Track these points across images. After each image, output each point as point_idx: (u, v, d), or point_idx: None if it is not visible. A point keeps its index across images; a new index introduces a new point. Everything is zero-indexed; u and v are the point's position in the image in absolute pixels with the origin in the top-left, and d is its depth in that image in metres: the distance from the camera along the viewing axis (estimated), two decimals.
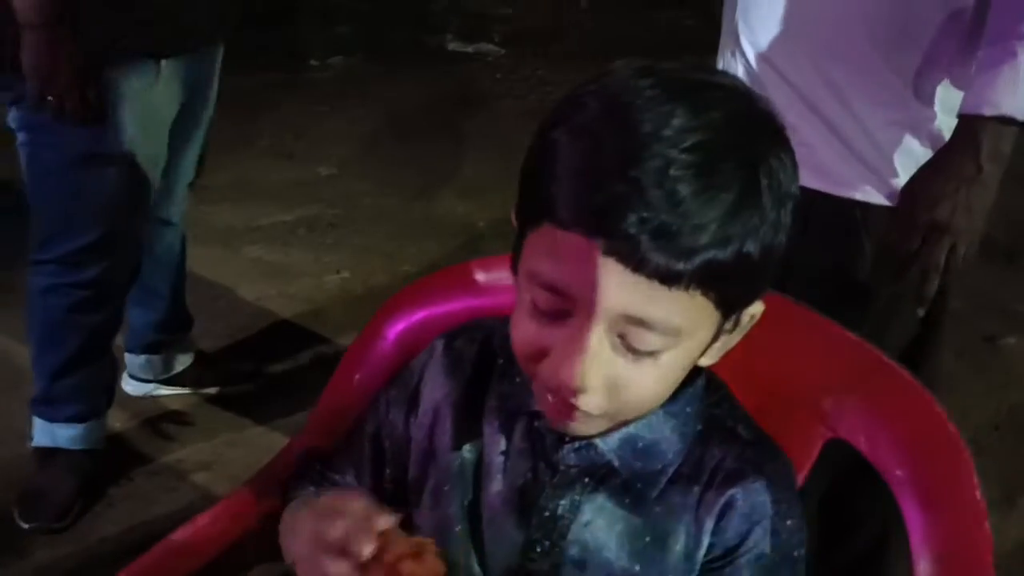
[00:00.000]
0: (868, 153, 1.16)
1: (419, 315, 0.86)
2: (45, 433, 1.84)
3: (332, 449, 0.83)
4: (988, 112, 1.03)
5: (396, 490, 0.77)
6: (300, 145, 4.05)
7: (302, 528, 0.65)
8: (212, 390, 2.15)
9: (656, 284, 0.55)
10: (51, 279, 1.73)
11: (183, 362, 2.15)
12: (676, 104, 0.55)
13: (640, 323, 0.57)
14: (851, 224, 1.13)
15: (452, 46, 6.09)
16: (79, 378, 1.82)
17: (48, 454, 1.85)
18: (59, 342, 1.79)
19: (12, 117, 1.66)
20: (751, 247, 0.57)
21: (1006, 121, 1.04)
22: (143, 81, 1.67)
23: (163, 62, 1.70)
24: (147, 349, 2.09)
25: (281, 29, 5.34)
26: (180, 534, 0.81)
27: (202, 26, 1.78)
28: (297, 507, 0.72)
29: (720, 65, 1.28)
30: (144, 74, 1.67)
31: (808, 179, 1.16)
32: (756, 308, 0.64)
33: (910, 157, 1.15)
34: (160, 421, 2.07)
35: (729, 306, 0.61)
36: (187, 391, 2.14)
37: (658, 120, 0.54)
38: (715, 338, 0.63)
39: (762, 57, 1.20)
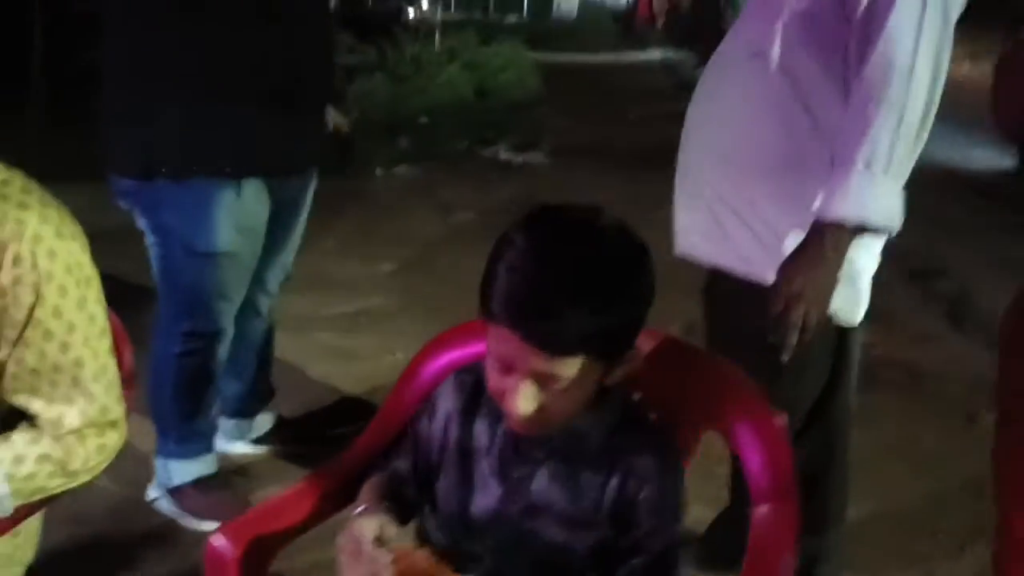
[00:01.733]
0: (774, 245, 1.52)
1: (443, 358, 1.26)
2: (182, 470, 2.22)
3: (390, 444, 1.24)
4: (828, 217, 1.40)
5: (424, 470, 1.15)
6: (366, 244, 4.50)
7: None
8: (288, 449, 2.53)
9: (554, 355, 0.93)
10: (184, 346, 2.14)
11: (265, 425, 2.56)
12: (569, 244, 0.95)
13: (550, 376, 0.95)
14: (761, 297, 1.47)
15: (504, 156, 6.64)
16: (206, 420, 2.24)
17: (203, 483, 2.23)
18: (193, 393, 2.18)
19: (143, 223, 2.09)
20: (615, 327, 0.96)
21: (841, 224, 1.39)
22: (229, 194, 2.04)
23: (242, 181, 2.03)
24: (236, 414, 2.51)
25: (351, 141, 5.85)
26: (271, 503, 1.19)
27: (277, 158, 2.08)
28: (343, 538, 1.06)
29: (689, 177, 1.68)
30: (229, 188, 2.04)
31: (734, 265, 1.57)
32: (632, 351, 1.03)
33: None
34: (245, 471, 2.46)
35: (608, 356, 0.98)
36: (267, 449, 2.54)
37: (554, 256, 0.93)
38: (607, 371, 1.01)
39: (704, 177, 1.63)
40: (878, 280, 1.63)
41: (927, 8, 1.35)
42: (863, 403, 1.83)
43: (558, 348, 0.93)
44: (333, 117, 2.38)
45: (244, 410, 2.51)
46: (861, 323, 1.63)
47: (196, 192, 1.99)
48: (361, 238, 4.61)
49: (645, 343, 1.07)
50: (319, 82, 2.18)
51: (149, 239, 2.11)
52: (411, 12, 12.66)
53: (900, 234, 1.45)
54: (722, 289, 1.69)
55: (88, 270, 1.12)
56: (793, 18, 1.48)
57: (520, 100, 8.33)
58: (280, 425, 2.60)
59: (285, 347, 2.80)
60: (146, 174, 1.98)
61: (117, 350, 1.20)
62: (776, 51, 1.50)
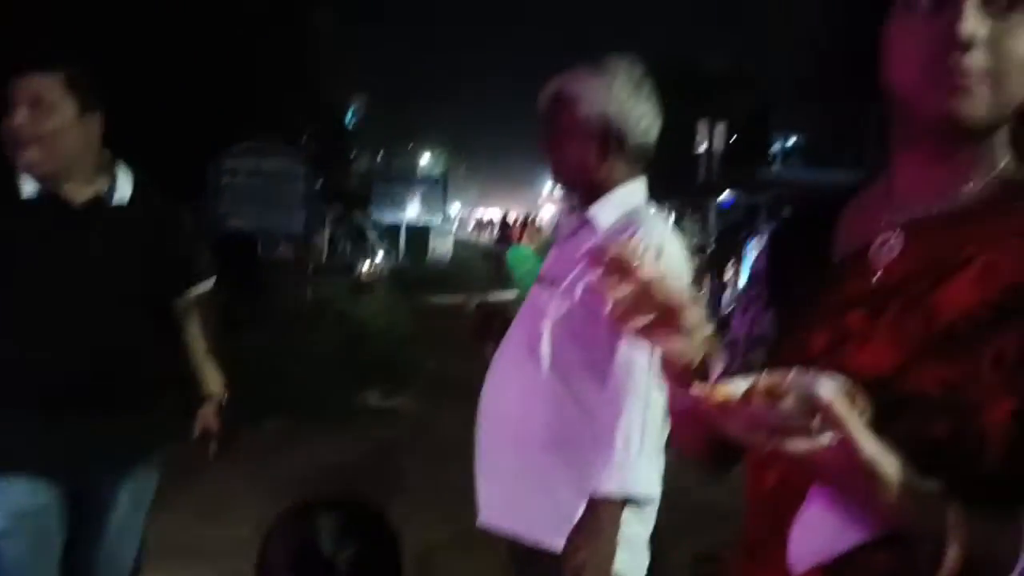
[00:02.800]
0: (561, 517, 1.67)
1: None
2: None
3: None
4: (598, 494, 1.59)
5: None
6: (227, 507, 4.32)
7: None
8: None
9: None
10: None
11: None
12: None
13: None
14: (555, 563, 1.63)
15: (374, 403, 6.72)
16: None
17: None
18: None
19: None
20: None
21: (609, 499, 1.58)
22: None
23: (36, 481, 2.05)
24: None
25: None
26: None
27: (39, 458, 2.06)
28: None
29: None
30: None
31: (529, 534, 1.72)
32: None
33: None
34: None
35: None
36: None
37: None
38: None
39: (498, 455, 1.82)
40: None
41: None
42: None
43: None
44: (201, 416, 2.41)
45: None
46: None
47: None
48: (221, 500, 4.47)
49: None
50: (114, 382, 2.17)
51: None
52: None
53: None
54: (520, 556, 1.82)
55: None
56: (556, 321, 1.72)
57: (392, 345, 8.52)
58: None
59: None
60: None
61: None
62: (545, 348, 1.73)
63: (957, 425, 0.80)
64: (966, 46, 0.83)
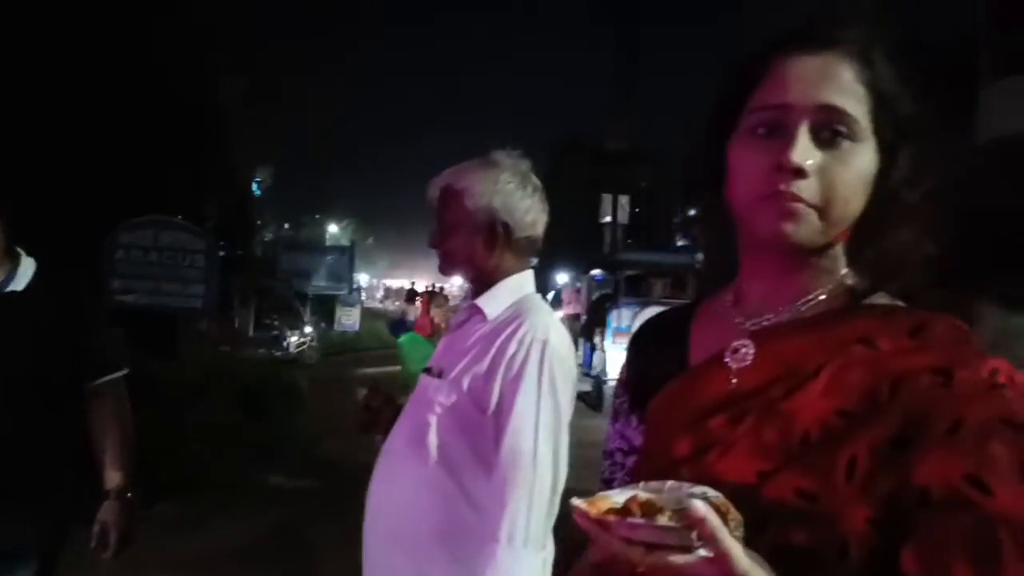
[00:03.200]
0: None
1: None
2: None
3: None
4: None
5: None
6: None
7: None
8: None
9: None
10: None
11: None
12: None
13: None
14: None
15: (275, 481, 6.51)
16: None
17: None
18: None
19: None
20: None
21: None
22: None
23: None
24: None
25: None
26: None
27: None
28: None
29: None
30: None
31: None
32: None
33: None
34: None
35: None
36: None
37: None
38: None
39: (382, 553, 1.80)
40: None
41: (541, 401, 1.63)
42: None
43: None
44: (100, 514, 2.28)
45: None
46: None
47: None
48: None
49: None
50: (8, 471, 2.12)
51: None
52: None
53: None
54: None
55: None
56: (443, 411, 1.72)
57: (294, 420, 8.31)
58: None
59: None
60: None
61: None
62: (432, 439, 1.73)
63: (818, 534, 0.81)
64: (797, 174, 0.88)
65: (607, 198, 25.86)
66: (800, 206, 0.89)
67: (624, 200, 25.08)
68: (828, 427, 0.85)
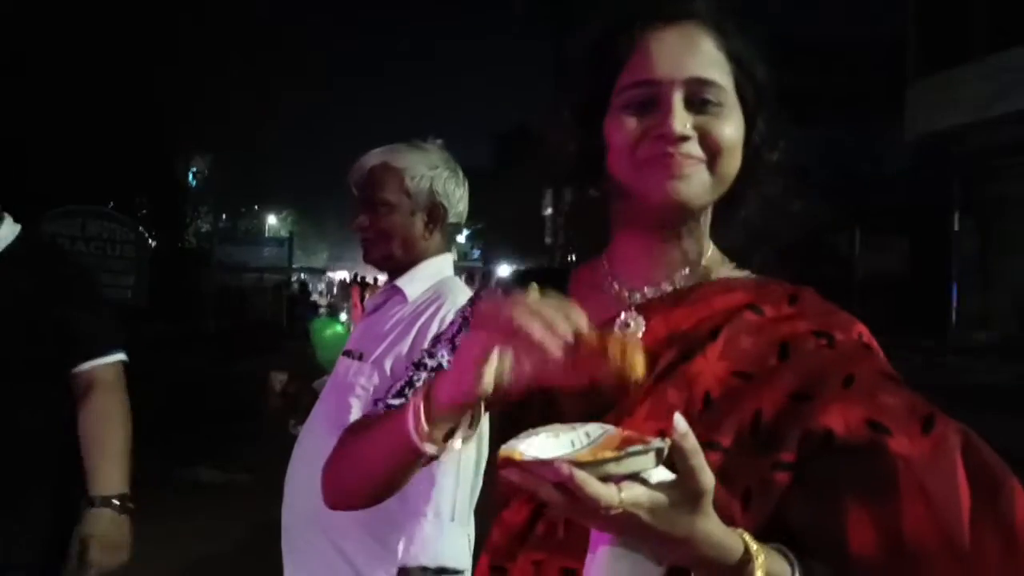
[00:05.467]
0: None
1: None
2: None
3: None
4: (409, 564, 1.60)
5: None
6: None
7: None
8: None
9: None
10: None
11: None
12: None
13: None
14: None
15: (206, 477, 6.38)
16: None
17: None
18: None
19: None
20: None
21: (424, 569, 1.58)
22: None
23: None
24: None
25: None
26: None
27: None
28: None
29: None
30: None
31: None
32: None
33: None
34: None
35: None
36: None
37: None
38: None
39: (300, 536, 1.78)
40: None
41: None
42: None
43: None
44: (86, 526, 1.92)
45: None
46: None
47: None
48: None
49: None
50: None
51: None
52: None
53: None
54: None
55: None
56: (365, 394, 1.70)
57: (226, 414, 8.16)
58: None
59: None
60: None
61: None
62: (352, 419, 1.70)
63: (725, 487, 0.84)
64: (680, 138, 0.94)
65: (549, 191, 25.95)
66: (689, 163, 0.94)
67: (566, 191, 25.19)
68: (727, 386, 0.92)
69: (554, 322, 0.81)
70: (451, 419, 0.92)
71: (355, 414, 1.70)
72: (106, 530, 1.91)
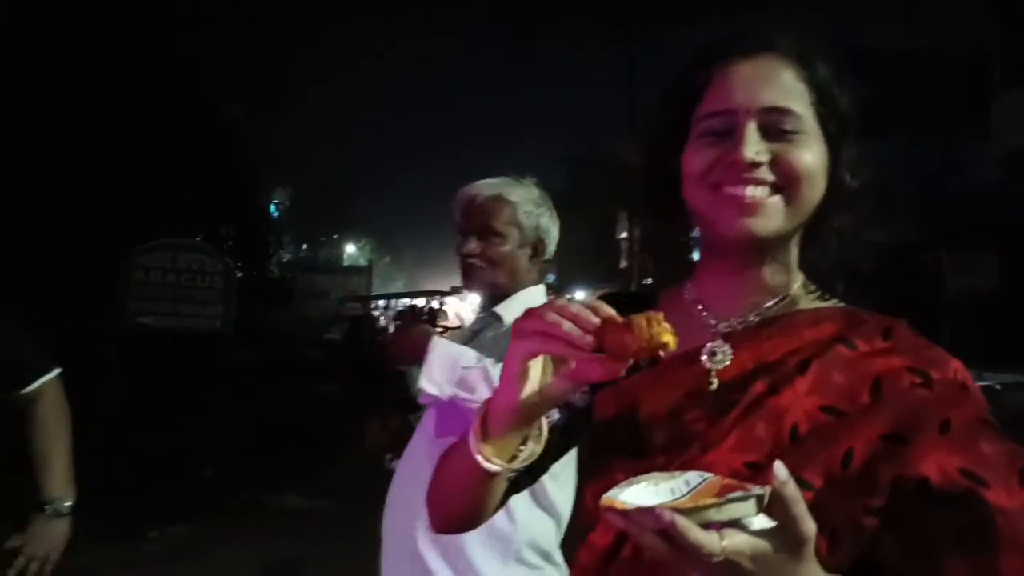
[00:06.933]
0: None
1: None
2: None
3: None
4: None
5: None
6: None
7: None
8: None
9: None
10: None
11: None
12: None
13: None
14: None
15: (291, 504, 6.49)
16: None
17: None
18: None
19: None
20: None
21: None
22: None
23: None
24: None
25: (119, 499, 5.41)
26: None
27: None
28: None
29: None
30: None
31: None
32: None
33: None
34: None
35: None
36: None
37: None
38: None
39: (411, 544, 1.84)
40: None
41: None
42: None
43: None
44: (36, 529, 2.09)
45: None
46: None
47: None
48: None
49: None
50: None
51: None
52: None
53: None
54: None
55: None
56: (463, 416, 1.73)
57: (309, 441, 8.31)
58: None
59: None
60: None
61: None
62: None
63: (817, 522, 0.83)
64: (752, 167, 0.93)
65: (623, 214, 25.81)
66: (761, 196, 0.94)
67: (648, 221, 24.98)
68: (816, 422, 0.90)
69: (580, 315, 0.83)
70: (510, 435, 0.93)
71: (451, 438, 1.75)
72: (55, 537, 2.08)
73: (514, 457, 0.94)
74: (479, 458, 0.93)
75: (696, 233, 1.07)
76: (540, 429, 0.94)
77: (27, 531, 2.07)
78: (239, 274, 10.40)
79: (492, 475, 0.94)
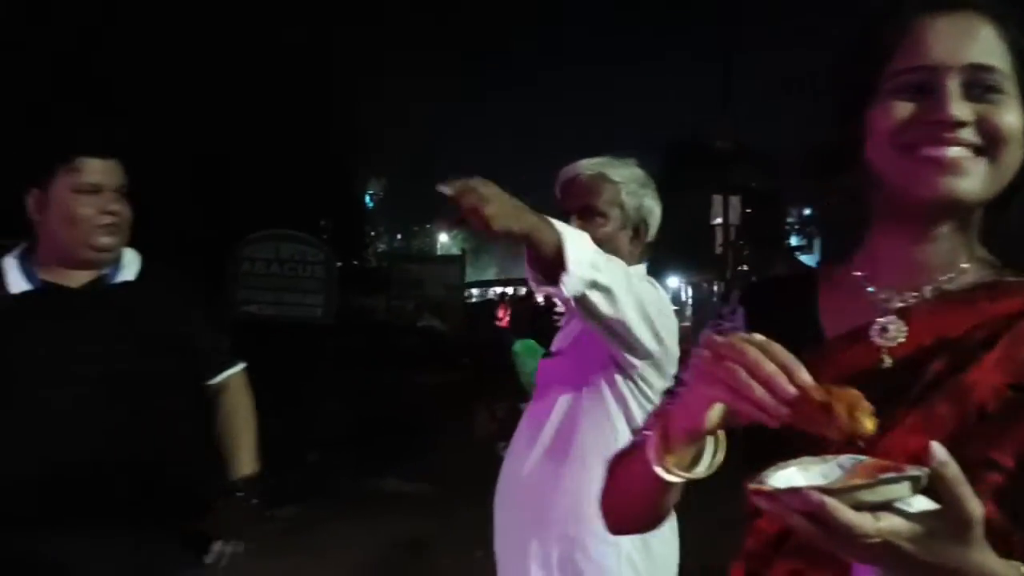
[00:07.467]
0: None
1: None
2: None
3: None
4: None
5: None
6: None
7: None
8: None
9: None
10: None
11: None
12: None
13: None
14: None
15: (392, 487, 6.64)
16: None
17: None
18: None
19: None
20: None
21: None
22: None
23: None
24: None
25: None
26: None
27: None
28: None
29: None
30: None
31: None
32: None
33: None
34: None
35: None
36: None
37: None
38: None
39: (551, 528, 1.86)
40: None
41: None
42: None
43: None
44: (224, 509, 2.13)
45: None
46: None
47: None
48: None
49: None
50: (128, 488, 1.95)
51: None
52: None
53: None
54: None
55: None
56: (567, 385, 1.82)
57: (408, 425, 8.46)
58: None
59: None
60: None
61: None
62: (556, 414, 1.83)
63: (1003, 507, 0.80)
64: (957, 126, 0.87)
65: (717, 199, 25.31)
66: (967, 157, 0.88)
67: (735, 200, 24.48)
68: (1005, 400, 0.85)
69: (774, 381, 0.78)
70: (691, 447, 0.92)
71: (557, 412, 1.78)
72: (244, 513, 2.14)
73: (693, 463, 0.92)
74: (660, 470, 0.92)
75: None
76: (719, 436, 0.92)
77: (217, 515, 2.12)
78: (339, 264, 10.65)
79: (668, 482, 0.93)
